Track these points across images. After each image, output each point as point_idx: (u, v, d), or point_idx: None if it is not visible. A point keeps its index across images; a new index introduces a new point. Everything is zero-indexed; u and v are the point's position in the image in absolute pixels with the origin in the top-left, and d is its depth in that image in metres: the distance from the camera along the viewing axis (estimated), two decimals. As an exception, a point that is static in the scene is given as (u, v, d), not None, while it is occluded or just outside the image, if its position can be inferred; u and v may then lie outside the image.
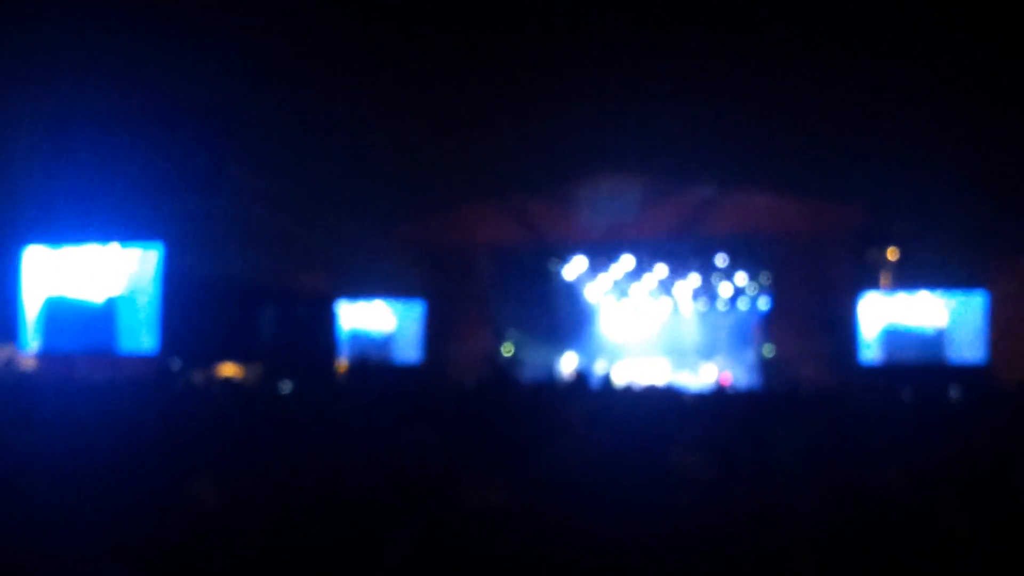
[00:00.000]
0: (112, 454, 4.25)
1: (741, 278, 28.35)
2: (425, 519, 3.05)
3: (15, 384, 11.06)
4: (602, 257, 26.94)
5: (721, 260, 26.28)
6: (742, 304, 31.98)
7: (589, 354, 30.91)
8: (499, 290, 25.92)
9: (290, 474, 3.76)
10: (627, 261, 26.90)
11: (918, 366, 21.51)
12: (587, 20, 15.40)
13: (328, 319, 24.46)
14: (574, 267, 27.60)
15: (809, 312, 22.23)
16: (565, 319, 30.60)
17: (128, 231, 18.64)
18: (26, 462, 3.88)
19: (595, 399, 9.14)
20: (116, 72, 16.82)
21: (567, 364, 29.18)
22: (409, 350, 26.07)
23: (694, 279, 29.20)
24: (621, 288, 31.30)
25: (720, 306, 32.52)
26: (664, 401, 8.95)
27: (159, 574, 2.37)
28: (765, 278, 26.67)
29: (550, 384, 14.38)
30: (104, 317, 18.55)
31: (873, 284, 23.85)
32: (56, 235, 19.04)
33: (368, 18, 15.56)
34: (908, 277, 23.54)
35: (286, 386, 12.61)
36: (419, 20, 15.43)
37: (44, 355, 18.59)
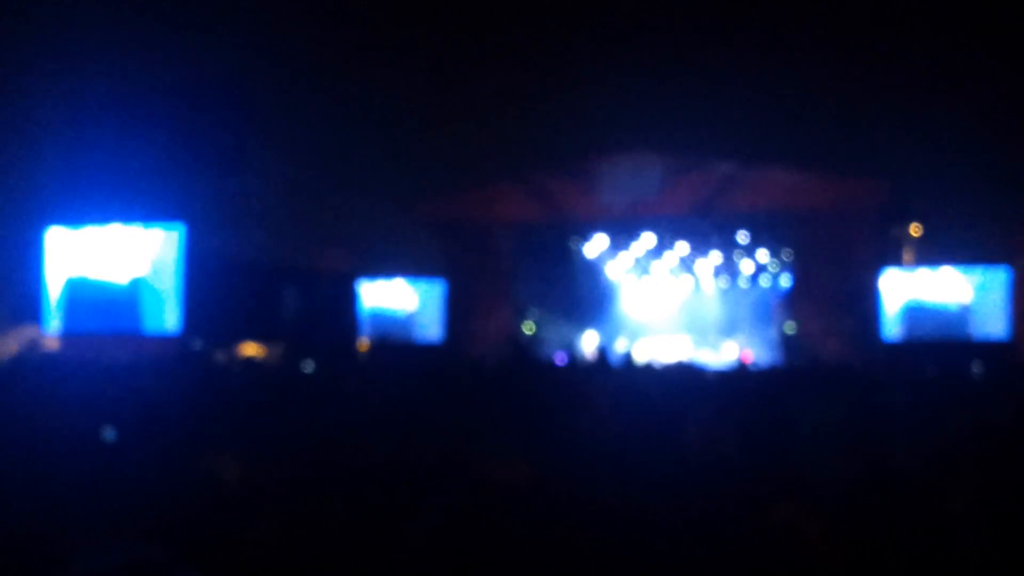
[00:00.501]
0: (136, 433, 4.29)
1: (763, 255, 28.18)
2: (446, 497, 3.07)
3: (39, 365, 11.14)
4: (623, 235, 26.85)
5: (743, 237, 26.15)
6: (764, 281, 31.82)
7: (610, 332, 30.85)
8: (520, 268, 25.89)
9: (312, 452, 3.78)
10: (648, 239, 26.81)
11: (941, 342, 21.35)
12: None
13: (349, 298, 24.54)
14: (595, 245, 27.53)
15: (831, 289, 22.09)
16: (586, 297, 30.56)
17: (150, 212, 18.72)
18: (50, 441, 3.92)
19: (616, 377, 9.14)
20: (139, 54, 16.91)
21: (588, 342, 29.13)
22: (430, 329, 26.14)
23: (715, 256, 29.03)
24: (642, 266, 31.21)
25: (742, 283, 32.38)
26: (685, 379, 8.93)
27: (182, 551, 2.40)
28: (787, 255, 26.52)
29: (571, 362, 14.40)
30: (127, 297, 18.64)
31: (895, 260, 23.73)
32: (78, 216, 19.13)
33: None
34: (930, 253, 23.43)
35: (308, 365, 12.67)
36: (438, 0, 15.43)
37: (67, 335, 18.71)
